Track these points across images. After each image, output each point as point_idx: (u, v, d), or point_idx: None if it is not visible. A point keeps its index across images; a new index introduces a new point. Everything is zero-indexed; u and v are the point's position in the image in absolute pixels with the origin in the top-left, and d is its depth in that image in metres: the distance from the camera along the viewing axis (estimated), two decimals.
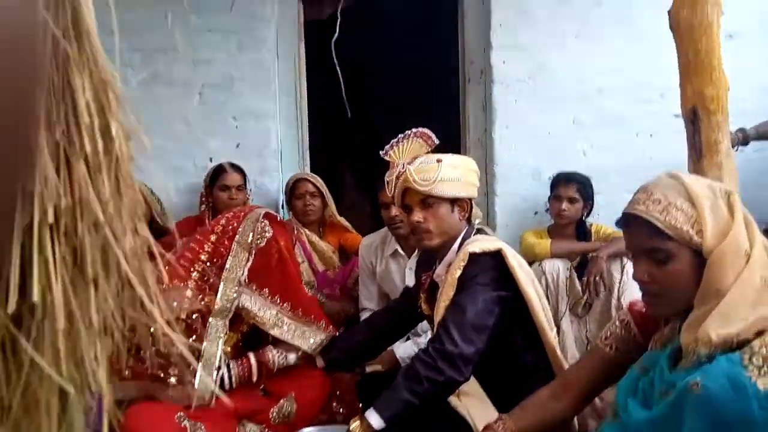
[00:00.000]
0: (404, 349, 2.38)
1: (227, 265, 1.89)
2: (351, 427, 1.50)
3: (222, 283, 1.87)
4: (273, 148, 3.05)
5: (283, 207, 3.04)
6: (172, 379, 1.76)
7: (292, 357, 1.94)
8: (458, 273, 1.65)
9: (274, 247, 1.95)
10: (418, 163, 1.71)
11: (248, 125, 3.01)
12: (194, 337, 1.83)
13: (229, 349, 1.92)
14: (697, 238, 1.08)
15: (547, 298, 2.56)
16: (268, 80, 3.01)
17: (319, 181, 2.88)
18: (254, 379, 1.88)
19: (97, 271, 0.45)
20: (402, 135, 1.74)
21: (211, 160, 2.95)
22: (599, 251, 2.58)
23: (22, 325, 0.43)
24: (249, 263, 1.91)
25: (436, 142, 1.76)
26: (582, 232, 2.76)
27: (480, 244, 1.68)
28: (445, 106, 3.49)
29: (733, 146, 1.85)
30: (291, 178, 2.93)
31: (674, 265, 1.10)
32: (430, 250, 1.81)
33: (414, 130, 1.75)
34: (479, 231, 1.81)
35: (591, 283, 2.56)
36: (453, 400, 1.66)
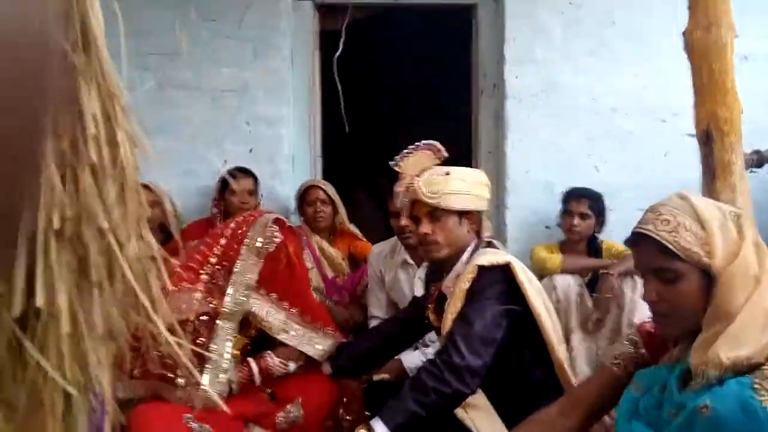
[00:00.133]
0: (412, 359, 2.38)
1: (236, 269, 1.90)
2: None
3: (231, 287, 1.89)
4: (285, 154, 3.07)
5: (294, 213, 3.05)
6: (180, 380, 1.77)
7: (292, 366, 1.95)
8: (466, 285, 1.65)
9: (283, 252, 1.97)
10: (427, 175, 1.72)
11: (261, 131, 3.04)
12: (202, 339, 1.84)
13: (237, 352, 1.92)
14: (706, 259, 1.08)
15: (558, 313, 2.55)
16: (282, 87, 3.04)
17: (331, 189, 2.89)
18: (257, 383, 1.89)
19: (101, 277, 0.46)
20: (412, 146, 1.75)
21: (224, 163, 2.98)
22: (611, 268, 2.56)
23: (27, 328, 0.44)
24: (258, 268, 1.92)
25: (445, 155, 1.76)
26: (593, 248, 2.75)
27: (489, 257, 1.68)
28: (457, 119, 3.50)
29: (747, 168, 1.84)
30: (302, 184, 2.95)
31: (683, 286, 1.10)
32: (438, 262, 1.81)
33: (423, 142, 1.76)
34: (489, 244, 1.81)
35: (602, 300, 2.54)
36: (460, 412, 1.65)
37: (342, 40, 2.64)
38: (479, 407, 1.67)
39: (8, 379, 0.44)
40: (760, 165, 2.42)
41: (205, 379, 1.79)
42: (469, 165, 2.88)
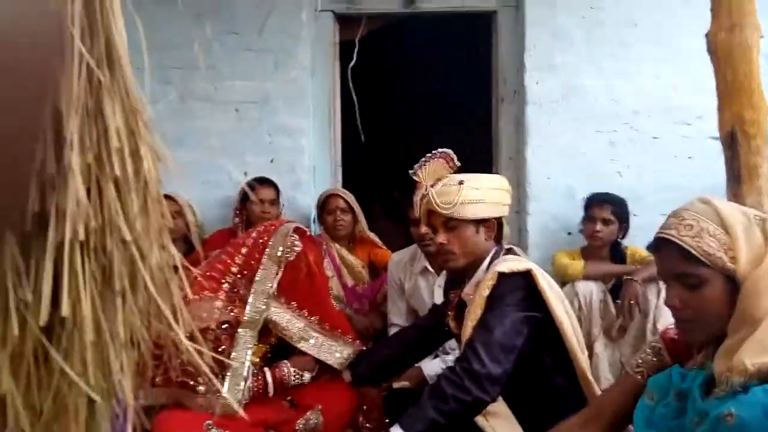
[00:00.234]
0: (432, 367, 2.37)
1: (257, 278, 1.92)
2: None
3: (251, 295, 1.90)
4: (306, 164, 3.10)
5: (314, 222, 3.08)
6: (201, 388, 1.79)
7: (307, 376, 1.95)
8: (486, 292, 1.64)
9: (303, 261, 1.98)
10: (440, 185, 1.71)
11: (282, 141, 3.07)
12: (223, 347, 1.86)
13: (258, 360, 1.94)
14: (731, 264, 1.06)
15: (580, 320, 2.52)
16: (302, 98, 3.08)
17: (350, 197, 2.91)
18: (270, 393, 1.90)
19: (124, 286, 0.47)
20: (429, 155, 1.75)
21: (245, 174, 3.02)
22: (634, 274, 2.53)
23: (53, 335, 0.46)
24: (278, 276, 1.94)
25: (457, 164, 1.74)
26: (617, 254, 2.71)
27: (509, 264, 1.67)
28: (477, 127, 3.50)
29: None
30: (322, 193, 2.97)
31: (706, 291, 1.08)
32: (456, 271, 1.80)
33: (437, 150, 1.75)
34: (509, 251, 1.80)
35: (625, 306, 2.50)
36: (480, 420, 1.64)
37: (356, 51, 2.66)
38: (500, 415, 1.65)
39: (34, 385, 0.46)
40: None
41: (225, 387, 1.81)
42: (489, 172, 2.87)
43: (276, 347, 2.02)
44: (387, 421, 1.94)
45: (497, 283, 1.63)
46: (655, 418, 1.12)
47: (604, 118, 2.98)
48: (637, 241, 2.71)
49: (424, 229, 2.36)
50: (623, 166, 2.99)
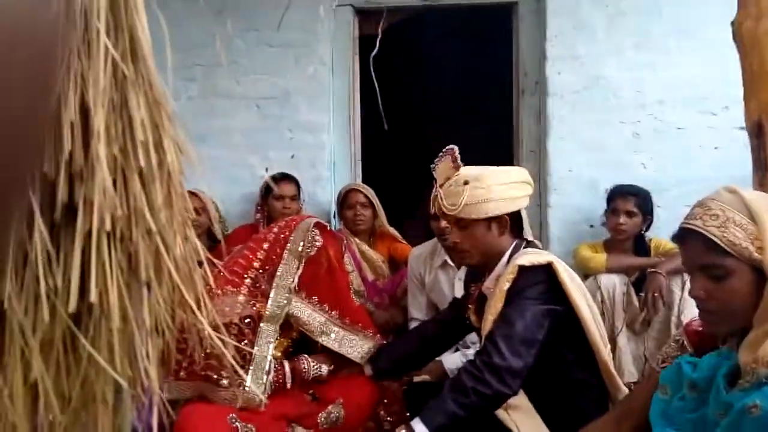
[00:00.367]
0: (452, 361, 2.37)
1: (278, 273, 1.94)
2: None
3: (273, 290, 1.92)
4: (326, 160, 3.12)
5: (334, 217, 3.09)
6: (225, 381, 1.81)
7: (325, 369, 1.97)
8: (507, 286, 1.64)
9: (323, 256, 1.99)
10: (447, 185, 1.70)
11: (303, 137, 3.09)
12: (245, 341, 1.89)
13: (279, 354, 1.96)
14: (757, 255, 1.04)
15: (603, 313, 2.50)
16: (322, 94, 3.09)
17: (370, 192, 2.92)
18: (288, 386, 1.91)
19: (149, 276, 0.48)
20: (442, 152, 1.74)
21: (266, 170, 3.04)
22: (659, 266, 2.49)
23: (80, 324, 0.47)
24: (299, 271, 1.96)
25: (460, 164, 1.70)
26: (641, 247, 2.68)
27: (530, 257, 1.66)
28: (497, 118, 3.47)
29: None
30: (342, 188, 2.98)
31: (732, 282, 1.06)
32: (474, 266, 1.80)
33: (447, 148, 1.74)
34: (528, 243, 1.79)
35: (649, 299, 2.47)
36: (501, 413, 1.64)
37: (378, 39, 2.65)
38: (521, 408, 1.65)
39: (63, 372, 0.47)
40: None
41: (248, 380, 1.84)
42: (510, 164, 2.85)
43: (297, 342, 2.04)
44: (408, 414, 1.94)
45: (518, 276, 1.63)
46: (671, 412, 1.10)
47: (628, 108, 2.94)
48: (662, 233, 2.67)
49: (443, 223, 2.36)
50: (647, 158, 2.95)
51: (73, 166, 0.43)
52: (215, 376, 1.80)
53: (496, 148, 3.03)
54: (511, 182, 1.72)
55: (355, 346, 2.00)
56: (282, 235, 2.00)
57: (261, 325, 1.90)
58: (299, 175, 2.99)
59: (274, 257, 1.96)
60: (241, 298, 1.90)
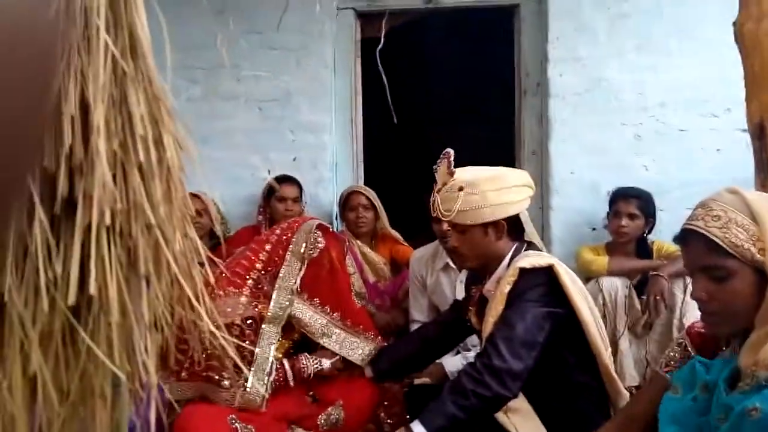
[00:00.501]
0: (453, 363, 2.37)
1: (281, 274, 1.94)
2: None
3: (275, 291, 1.93)
4: (328, 161, 3.12)
5: (336, 219, 3.09)
6: (226, 382, 1.81)
7: (326, 363, 1.97)
8: (507, 288, 1.63)
9: (325, 258, 2.00)
10: (444, 191, 1.70)
11: (305, 139, 3.10)
12: (247, 342, 1.89)
13: (280, 355, 1.96)
14: (759, 256, 1.04)
15: (604, 316, 2.49)
16: (324, 95, 3.10)
17: (372, 194, 2.92)
18: (291, 384, 1.91)
19: (149, 270, 0.49)
20: (441, 156, 1.74)
21: (269, 172, 3.05)
22: (661, 269, 2.49)
23: (80, 317, 0.47)
24: (301, 273, 1.96)
25: (454, 171, 1.69)
26: (643, 249, 2.67)
27: (530, 259, 1.66)
28: (500, 119, 3.47)
29: None
30: (344, 190, 2.99)
31: (734, 284, 1.06)
32: (472, 269, 1.79)
33: (444, 152, 1.73)
34: (530, 246, 1.78)
35: (651, 302, 2.47)
36: (501, 416, 1.63)
37: (382, 33, 2.65)
38: (521, 411, 1.64)
39: (62, 366, 0.48)
40: None
41: (249, 381, 1.84)
42: (512, 165, 2.85)
43: (299, 343, 2.04)
44: (408, 416, 1.94)
45: (518, 278, 1.63)
46: (680, 412, 1.10)
47: (630, 110, 2.94)
48: (664, 236, 2.66)
49: (445, 225, 2.36)
50: (649, 160, 2.94)
51: (73, 161, 0.44)
52: (216, 377, 1.80)
53: (498, 149, 3.03)
54: (508, 187, 1.70)
55: (356, 348, 2.00)
56: (284, 237, 2.00)
57: (263, 326, 1.90)
58: (301, 177, 2.99)
59: (276, 259, 1.97)
60: (243, 299, 1.90)
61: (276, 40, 3.05)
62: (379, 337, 2.11)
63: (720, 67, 2.63)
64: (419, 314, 2.67)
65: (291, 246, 1.98)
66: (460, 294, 2.35)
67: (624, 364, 2.50)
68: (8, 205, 0.39)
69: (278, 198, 2.89)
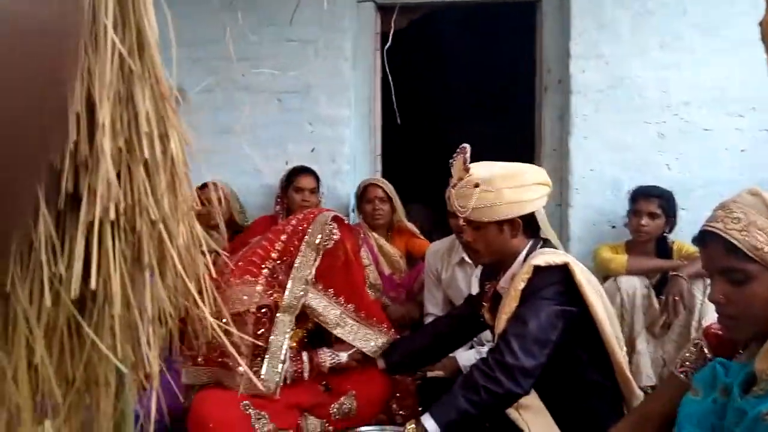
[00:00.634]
0: (467, 357, 2.37)
1: (296, 264, 1.96)
2: (407, 430, 1.52)
3: (290, 281, 1.95)
4: (346, 154, 3.13)
5: (353, 211, 3.10)
6: (240, 369, 1.84)
7: (343, 356, 1.98)
8: (522, 285, 1.63)
9: (340, 249, 2.01)
10: (459, 186, 1.68)
11: (323, 131, 3.11)
12: (262, 330, 1.91)
13: (294, 344, 1.98)
14: None
15: (622, 315, 2.47)
16: (343, 88, 3.10)
17: (389, 187, 2.92)
18: (306, 376, 1.93)
19: (152, 264, 0.49)
20: (457, 150, 1.72)
21: (287, 163, 3.07)
22: (680, 270, 2.45)
23: (85, 309, 0.48)
24: (316, 263, 1.97)
25: (469, 167, 1.67)
26: (663, 249, 2.63)
27: (546, 257, 1.64)
28: (521, 115, 3.44)
29: None
30: (361, 182, 2.99)
31: (753, 287, 1.04)
32: (486, 265, 1.78)
33: (461, 147, 1.71)
34: (545, 243, 1.77)
35: (670, 302, 2.43)
36: (512, 413, 1.63)
37: (392, 33, 2.63)
38: (533, 408, 1.64)
39: (67, 356, 0.49)
40: None
41: (263, 369, 1.86)
42: (531, 162, 2.82)
43: (312, 332, 2.06)
44: (420, 409, 1.95)
45: (533, 276, 1.61)
46: (699, 414, 1.09)
47: (653, 108, 2.89)
48: (685, 236, 2.62)
49: (461, 221, 2.35)
50: (672, 159, 2.89)
51: (78, 157, 0.44)
52: (231, 363, 1.82)
53: (517, 145, 3.00)
54: (525, 185, 1.68)
55: (369, 340, 2.02)
56: (300, 227, 2.01)
57: (277, 315, 1.92)
58: (319, 169, 3.00)
59: (291, 249, 1.98)
60: (258, 287, 1.92)
61: (296, 33, 3.06)
62: (392, 330, 2.12)
63: (745, 66, 2.57)
64: (434, 308, 2.67)
65: (306, 237, 1.99)
66: (475, 289, 2.34)
67: (640, 363, 2.48)
68: (17, 201, 0.40)
69: (295, 189, 2.91)
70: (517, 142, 3.23)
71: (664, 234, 2.63)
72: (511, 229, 1.69)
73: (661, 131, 2.90)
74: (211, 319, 0.51)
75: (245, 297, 1.91)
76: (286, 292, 1.94)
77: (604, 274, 2.56)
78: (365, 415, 1.97)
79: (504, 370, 1.52)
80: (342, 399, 1.96)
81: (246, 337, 1.67)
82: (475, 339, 2.29)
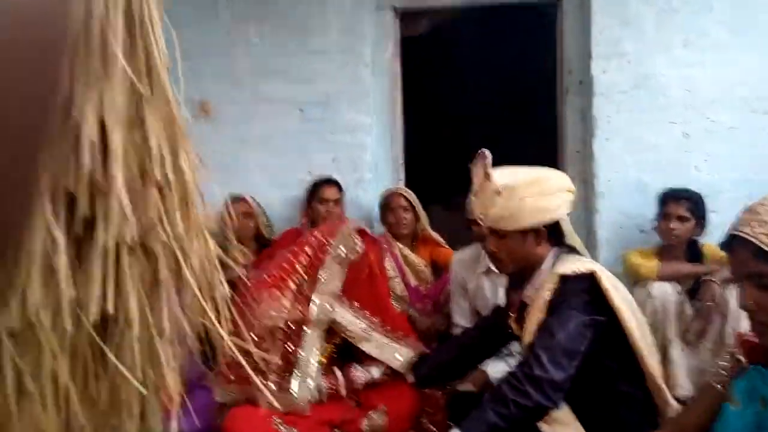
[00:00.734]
0: (497, 369, 2.33)
1: (321, 278, 1.97)
2: None
3: (317, 295, 1.95)
4: (368, 162, 3.13)
5: (377, 220, 3.10)
6: (271, 385, 1.85)
7: (375, 371, 1.98)
8: (548, 295, 1.60)
9: (364, 262, 2.01)
10: (480, 194, 1.66)
11: (345, 140, 3.11)
12: (291, 345, 1.92)
13: (324, 359, 1.98)
14: None
15: (654, 323, 2.40)
16: (364, 96, 3.11)
17: (412, 196, 2.91)
18: (343, 393, 1.93)
19: (169, 286, 0.50)
20: (476, 156, 1.70)
21: (309, 173, 3.09)
22: (713, 274, 2.39)
23: (107, 332, 0.50)
24: (342, 276, 1.98)
25: (490, 173, 1.64)
26: (694, 253, 2.57)
27: (572, 265, 1.62)
28: (542, 117, 3.41)
29: None
30: (384, 191, 2.99)
31: None
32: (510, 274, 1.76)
33: (480, 152, 1.68)
34: (571, 250, 1.74)
35: (703, 309, 2.37)
36: (544, 426, 1.60)
37: (417, 39, 2.63)
38: (564, 421, 1.61)
39: (92, 377, 0.50)
40: None
41: (293, 385, 1.87)
42: (554, 165, 2.79)
43: (341, 347, 2.06)
44: (450, 423, 1.93)
45: (559, 285, 1.59)
46: (740, 426, 1.05)
47: (678, 108, 2.83)
48: (715, 239, 2.54)
49: (485, 229, 2.33)
50: (699, 160, 2.83)
51: (93, 182, 0.45)
52: (262, 381, 1.83)
53: (540, 148, 2.97)
54: (548, 192, 1.65)
55: (396, 354, 2.01)
56: (324, 240, 2.03)
57: (306, 329, 1.93)
58: (341, 178, 3.01)
59: (316, 263, 2.00)
60: (286, 302, 1.94)
61: (316, 42, 3.08)
62: (419, 343, 2.10)
63: None
64: (461, 318, 2.64)
65: (330, 250, 2.00)
66: (502, 299, 2.32)
67: (675, 373, 2.41)
68: (17, 213, 0.41)
69: (320, 200, 2.93)
70: (540, 144, 3.19)
71: (694, 238, 2.57)
72: (535, 237, 1.67)
73: (686, 131, 2.84)
74: (228, 338, 0.52)
75: (274, 312, 1.92)
76: (313, 306, 1.95)
77: (634, 281, 2.51)
78: (396, 430, 1.96)
79: (533, 384, 1.50)
80: (372, 414, 1.95)
81: (263, 354, 1.67)
82: (504, 350, 2.25)
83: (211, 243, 0.54)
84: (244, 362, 0.51)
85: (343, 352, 2.06)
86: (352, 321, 1.99)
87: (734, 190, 2.69)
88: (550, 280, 1.61)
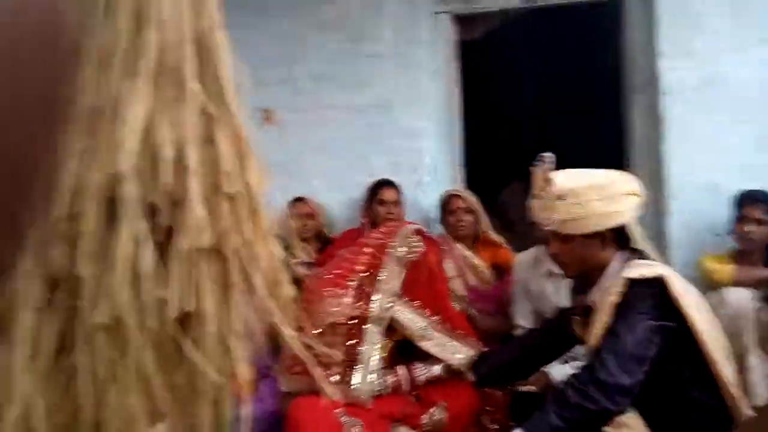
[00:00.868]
0: (560, 372, 2.29)
1: (381, 277, 2.01)
2: None
3: (377, 293, 2.00)
4: (427, 165, 3.15)
5: (437, 222, 3.11)
6: (334, 378, 1.90)
7: (436, 369, 2.00)
8: (615, 299, 1.57)
9: (424, 262, 2.04)
10: (542, 198, 1.63)
11: (404, 143, 3.15)
12: (352, 341, 1.97)
13: (385, 354, 2.02)
14: None
15: (729, 330, 2.29)
16: (423, 99, 3.13)
17: (471, 198, 2.90)
18: (405, 388, 1.97)
19: (240, 286, 0.54)
20: (538, 159, 1.67)
21: (370, 176, 3.13)
22: None
23: (188, 327, 0.54)
24: (401, 276, 2.01)
25: (551, 177, 1.61)
26: None
27: (640, 269, 1.57)
28: (607, 118, 3.31)
29: None
30: (444, 193, 2.99)
31: None
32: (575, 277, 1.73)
33: (540, 155, 1.65)
34: (640, 255, 1.68)
35: None
36: (610, 431, 1.57)
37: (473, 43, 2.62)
38: (633, 427, 1.58)
39: (172, 368, 0.55)
40: None
41: (355, 379, 1.92)
42: (620, 167, 2.71)
43: (401, 343, 2.09)
44: (512, 424, 1.92)
45: (627, 289, 1.55)
46: None
47: (751, 107, 2.70)
48: None
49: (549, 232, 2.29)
50: None
51: (173, 196, 0.50)
52: (326, 373, 1.89)
53: (605, 149, 2.88)
54: (613, 195, 1.61)
55: (456, 352, 2.02)
56: (383, 241, 2.07)
57: (367, 326, 1.97)
58: (400, 180, 3.04)
59: (376, 262, 2.04)
60: (347, 300, 1.99)
61: (373, 47, 3.13)
62: (479, 342, 2.10)
63: None
64: (523, 320, 2.61)
65: (390, 250, 2.04)
66: (566, 302, 2.27)
67: (753, 381, 2.29)
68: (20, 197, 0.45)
69: (379, 201, 2.97)
70: (606, 146, 3.10)
71: None
72: (600, 241, 1.63)
73: (761, 131, 2.70)
74: (291, 334, 0.56)
75: (335, 309, 1.98)
76: (373, 304, 1.99)
77: (708, 286, 2.40)
78: (456, 426, 1.98)
79: (599, 387, 1.47)
80: (433, 410, 1.98)
81: (326, 349, 1.72)
82: (568, 353, 2.21)
83: (277, 247, 0.58)
84: (306, 355, 0.55)
85: (403, 349, 2.09)
86: (411, 319, 2.02)
87: None
88: (617, 284, 1.57)
